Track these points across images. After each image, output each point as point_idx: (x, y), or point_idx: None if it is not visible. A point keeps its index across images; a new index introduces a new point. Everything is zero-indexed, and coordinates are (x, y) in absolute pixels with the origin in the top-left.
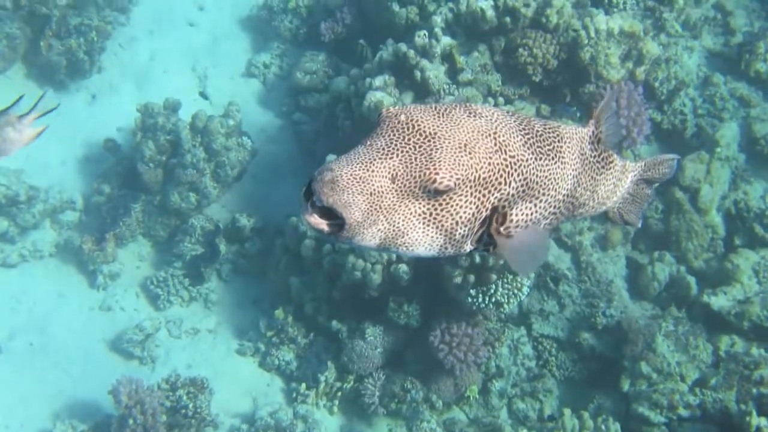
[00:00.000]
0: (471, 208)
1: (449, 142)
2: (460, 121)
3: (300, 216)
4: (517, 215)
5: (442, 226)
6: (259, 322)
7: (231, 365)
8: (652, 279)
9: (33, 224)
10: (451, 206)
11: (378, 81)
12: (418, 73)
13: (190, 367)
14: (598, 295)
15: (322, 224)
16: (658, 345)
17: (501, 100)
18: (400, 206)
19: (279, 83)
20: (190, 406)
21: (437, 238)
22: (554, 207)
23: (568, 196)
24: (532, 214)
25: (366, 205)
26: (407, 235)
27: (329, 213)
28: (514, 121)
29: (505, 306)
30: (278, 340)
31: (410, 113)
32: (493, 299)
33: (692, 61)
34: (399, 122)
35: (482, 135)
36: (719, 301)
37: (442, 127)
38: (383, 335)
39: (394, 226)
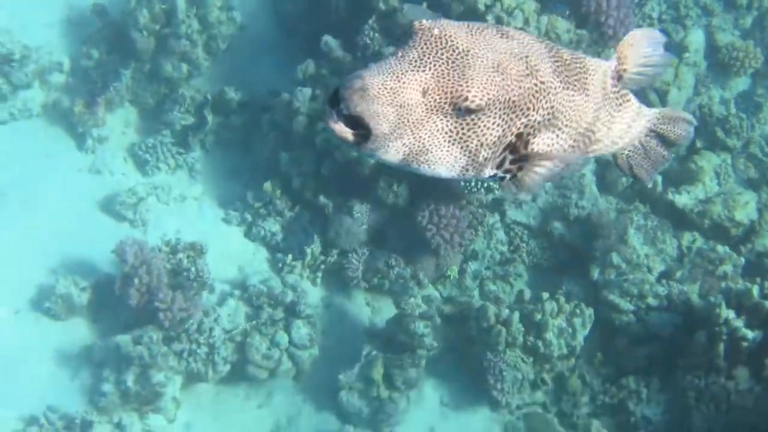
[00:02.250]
0: (498, 131)
1: (482, 61)
2: (493, 41)
3: (325, 122)
4: (538, 144)
5: (467, 146)
6: (244, 194)
7: (218, 233)
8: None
9: (26, 83)
10: (479, 127)
11: None
12: None
13: (179, 233)
14: (571, 186)
15: (347, 133)
16: (629, 237)
17: None
18: (427, 122)
19: None
20: (192, 269)
21: (460, 158)
22: (573, 140)
23: (587, 129)
24: (553, 144)
25: (395, 117)
26: (431, 152)
27: (355, 122)
28: (545, 47)
29: (496, 192)
30: (265, 212)
31: (444, 28)
32: (485, 185)
33: None
34: (432, 36)
35: (515, 57)
36: (682, 199)
37: (476, 46)
38: (369, 213)
39: (419, 141)
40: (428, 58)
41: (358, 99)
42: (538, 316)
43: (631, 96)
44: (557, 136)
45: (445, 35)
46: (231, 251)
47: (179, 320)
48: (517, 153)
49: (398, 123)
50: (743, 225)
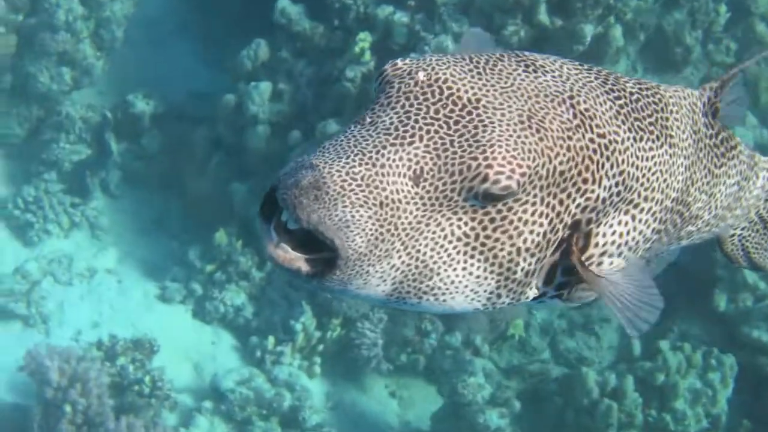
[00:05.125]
0: (542, 224)
1: (503, 114)
2: (515, 78)
3: (262, 245)
4: (606, 235)
5: (496, 256)
6: (182, 252)
7: (154, 319)
8: None
9: None
10: (511, 221)
11: None
12: None
13: (97, 326)
14: None
15: (298, 261)
16: None
17: None
18: (427, 225)
19: None
20: (146, 380)
21: (486, 278)
22: (660, 220)
23: (677, 201)
24: (630, 232)
25: (374, 225)
26: (438, 275)
27: (309, 240)
28: (595, 78)
29: None
30: (222, 277)
31: (434, 69)
32: None
33: None
34: (417, 84)
35: (553, 101)
36: None
37: (489, 90)
38: None
39: (417, 259)
40: (416, 120)
41: (312, 202)
42: (661, 378)
43: (737, 139)
44: (633, 217)
45: (438, 80)
46: (179, 343)
47: None
48: (575, 254)
49: (380, 234)
50: None
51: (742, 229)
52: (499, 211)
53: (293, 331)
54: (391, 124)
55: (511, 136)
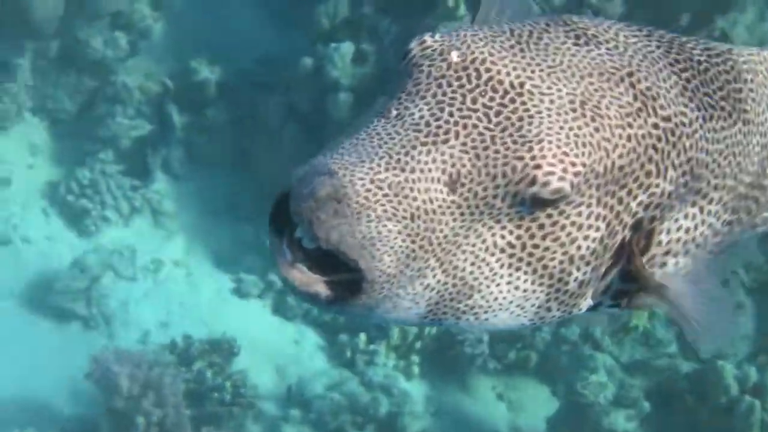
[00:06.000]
0: (599, 228)
1: (552, 101)
2: (565, 54)
3: (273, 263)
4: (671, 232)
5: (545, 267)
6: (259, 241)
7: (230, 316)
8: None
9: None
10: (563, 228)
11: None
12: None
13: (166, 326)
14: None
15: (317, 284)
16: None
17: None
18: (466, 238)
19: None
20: (227, 385)
21: (535, 290)
22: (732, 210)
23: (752, 186)
24: (697, 226)
25: (404, 241)
26: (480, 291)
27: (329, 260)
28: (657, 46)
29: None
30: None
31: (469, 47)
32: None
33: None
34: (450, 67)
35: (609, 80)
36: None
37: (535, 71)
38: None
39: (455, 276)
40: (450, 113)
41: (331, 217)
42: None
43: None
44: (702, 209)
45: (475, 61)
46: (257, 343)
47: None
48: (636, 259)
49: (412, 251)
50: None
51: None
52: (549, 216)
53: (387, 328)
54: (422, 118)
55: (562, 128)
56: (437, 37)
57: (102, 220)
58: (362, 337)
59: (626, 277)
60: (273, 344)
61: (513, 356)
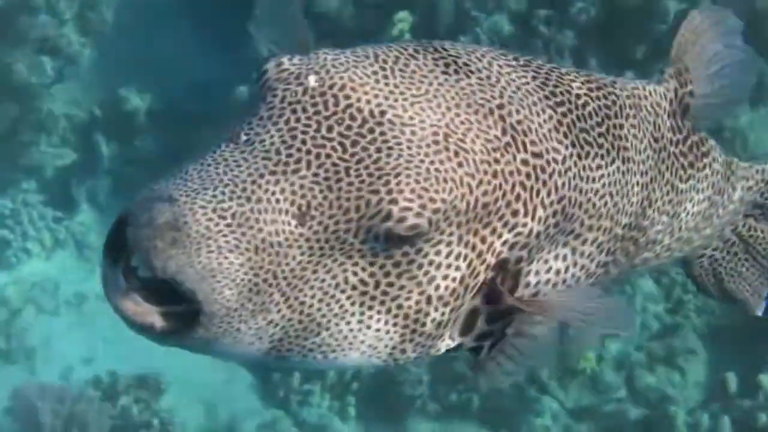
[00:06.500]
0: (459, 268)
1: (414, 132)
2: (432, 83)
3: (105, 292)
4: (540, 273)
5: (400, 306)
6: None
7: (157, 352)
8: None
9: None
10: (420, 265)
11: None
12: None
13: (90, 362)
14: None
15: (151, 315)
16: None
17: None
18: (315, 273)
19: None
20: (155, 423)
21: (388, 331)
22: (607, 251)
23: (630, 227)
24: (569, 268)
25: (246, 274)
26: (328, 329)
27: (165, 291)
28: (533, 77)
29: None
30: None
31: (329, 72)
32: None
33: None
34: (306, 92)
35: (477, 113)
36: None
37: (398, 99)
38: None
39: (301, 313)
40: (303, 141)
41: (169, 246)
42: (763, 418)
43: (711, 143)
44: (574, 250)
45: (333, 87)
46: (186, 380)
47: None
48: (501, 300)
49: (254, 285)
50: None
51: (714, 250)
52: (405, 254)
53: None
54: (272, 145)
55: (422, 161)
56: (295, 60)
57: (23, 252)
58: (296, 376)
59: (491, 318)
60: (203, 382)
61: (454, 398)
